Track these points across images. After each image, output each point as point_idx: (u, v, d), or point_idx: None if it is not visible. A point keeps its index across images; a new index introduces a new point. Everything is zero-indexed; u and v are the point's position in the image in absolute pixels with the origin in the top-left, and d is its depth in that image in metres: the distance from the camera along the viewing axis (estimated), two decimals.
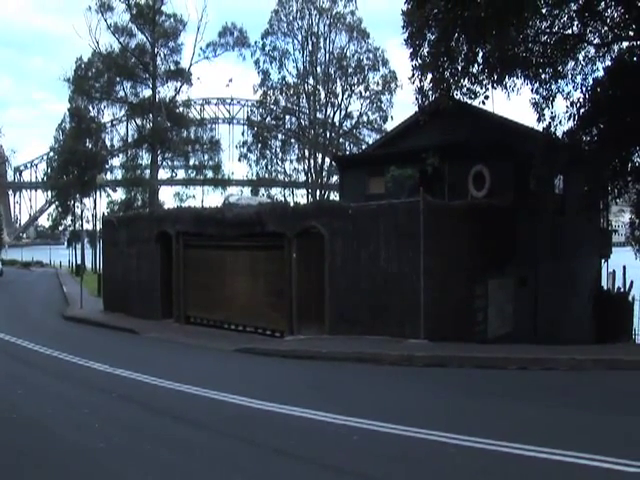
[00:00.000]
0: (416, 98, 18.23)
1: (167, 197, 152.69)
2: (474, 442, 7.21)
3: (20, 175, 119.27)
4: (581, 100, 17.28)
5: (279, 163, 52.69)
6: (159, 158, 56.77)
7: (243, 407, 9.75)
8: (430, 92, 18.01)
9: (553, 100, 18.38)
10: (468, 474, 6.38)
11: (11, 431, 8.84)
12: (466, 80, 17.88)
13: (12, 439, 8.39)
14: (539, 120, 18.29)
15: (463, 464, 6.67)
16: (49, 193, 77.56)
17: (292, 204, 27.59)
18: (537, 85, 18.24)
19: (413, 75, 17.92)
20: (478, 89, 18.01)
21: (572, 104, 17.40)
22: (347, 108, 50.12)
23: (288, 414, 9.17)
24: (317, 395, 10.61)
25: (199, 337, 19.02)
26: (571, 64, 18.53)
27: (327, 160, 49.24)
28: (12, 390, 11.78)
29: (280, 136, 52.78)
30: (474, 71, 17.89)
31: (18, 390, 11.82)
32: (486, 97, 18.07)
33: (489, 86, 18.01)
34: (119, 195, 60.66)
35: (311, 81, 49.65)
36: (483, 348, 14.55)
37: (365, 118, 50.71)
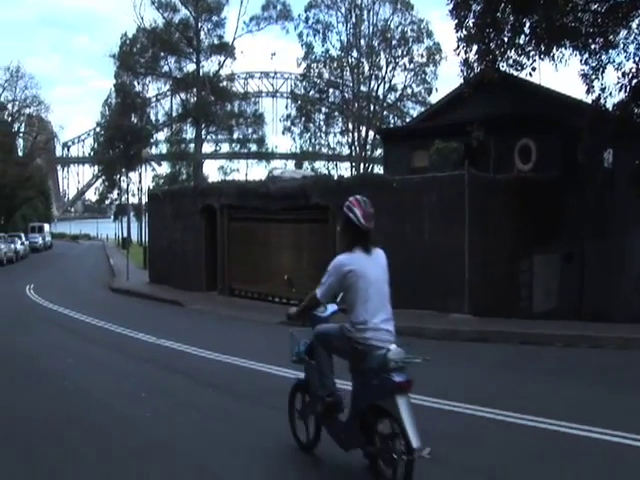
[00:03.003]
0: (461, 70, 17.91)
1: (211, 171, 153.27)
2: (516, 418, 7.16)
3: (68, 150, 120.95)
4: (633, 70, 16.76)
5: (323, 136, 52.64)
6: (203, 132, 57.15)
7: (287, 378, 9.80)
8: (475, 64, 17.67)
9: (603, 71, 17.83)
10: (511, 450, 6.32)
11: (62, 399, 9.06)
12: (512, 51, 17.47)
13: (63, 407, 8.60)
14: (588, 92, 17.79)
15: (505, 440, 6.63)
16: (96, 168, 78.74)
17: (336, 177, 27.53)
18: (586, 56, 17.70)
19: (458, 47, 17.59)
20: (525, 61, 17.59)
21: (624, 75, 16.90)
22: (391, 81, 49.72)
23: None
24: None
25: (243, 309, 19.16)
26: (623, 33, 17.89)
27: (371, 133, 48.92)
28: (63, 360, 12.06)
29: (324, 109, 52.56)
30: (521, 42, 17.47)
31: (68, 359, 12.09)
32: (533, 69, 17.67)
33: (536, 57, 17.57)
34: (164, 169, 61.52)
35: (355, 54, 49.24)
36: (528, 324, 14.37)
37: (409, 91, 50.27)
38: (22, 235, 54.40)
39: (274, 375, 10.13)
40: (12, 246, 46.57)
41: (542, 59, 17.65)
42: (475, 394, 8.38)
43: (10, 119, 61.87)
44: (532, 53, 17.39)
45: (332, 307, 6.02)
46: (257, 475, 5.96)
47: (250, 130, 59.57)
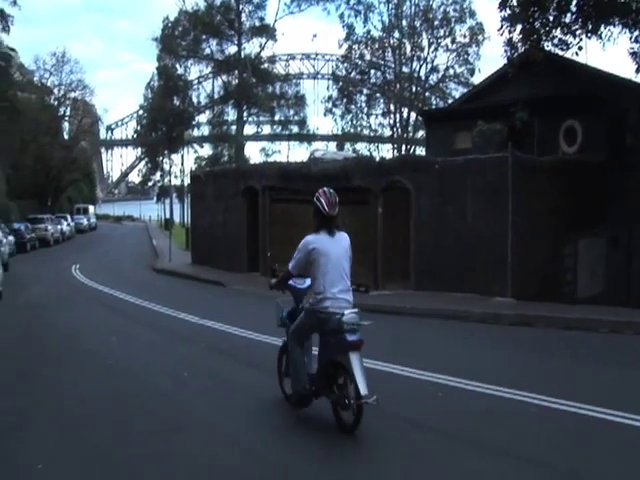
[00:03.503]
0: (505, 50, 17.64)
1: (253, 152, 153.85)
2: (559, 404, 7.05)
3: (112, 133, 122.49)
4: None
5: (364, 118, 52.13)
6: (245, 114, 57.31)
7: None
8: (519, 44, 17.36)
9: None
10: (551, 435, 6.24)
11: (106, 377, 9.22)
12: (558, 30, 17.12)
13: (108, 384, 8.76)
14: (638, 71, 17.33)
15: (546, 425, 6.54)
16: (139, 150, 79.58)
17: (378, 159, 27.38)
18: (637, 33, 17.23)
19: (502, 27, 17.32)
20: (571, 40, 17.23)
21: None
22: (433, 61, 48.93)
23: (373, 368, 9.15)
24: (401, 350, 10.59)
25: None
26: None
27: (413, 115, 48.42)
28: (107, 339, 12.27)
29: (365, 91, 52.09)
30: (566, 21, 17.11)
31: (112, 338, 12.30)
32: (579, 48, 17.31)
33: (583, 36, 17.21)
34: (206, 151, 61.73)
35: (396, 34, 48.58)
36: (572, 309, 14.14)
37: (451, 72, 49.44)
38: (68, 216, 55.33)
39: (313, 355, 10.14)
40: (59, 227, 47.46)
41: (589, 37, 17.27)
42: (514, 378, 8.28)
43: (56, 103, 62.72)
44: (578, 32, 17.03)
45: (308, 281, 6.90)
46: (294, 451, 6.00)
47: (291, 112, 59.56)
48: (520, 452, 5.76)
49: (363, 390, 5.88)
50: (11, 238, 33.02)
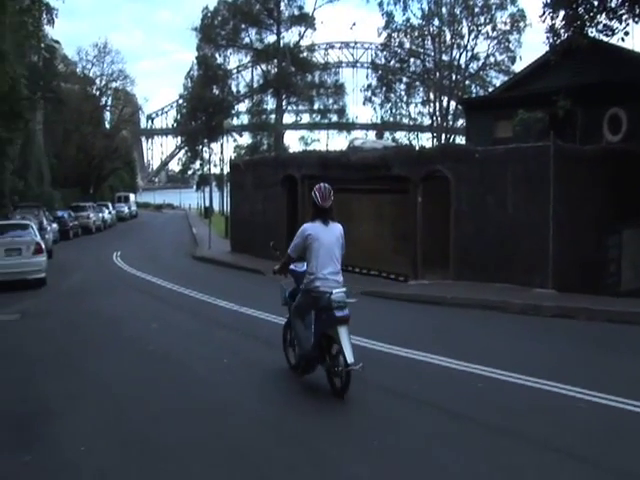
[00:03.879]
0: (547, 37, 17.35)
1: (292, 141, 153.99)
2: (604, 399, 6.93)
3: (152, 122, 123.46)
4: None
5: (404, 106, 51.85)
6: (284, 103, 57.40)
7: (366, 349, 9.80)
8: (562, 30, 17.05)
9: None
10: (597, 431, 6.15)
11: (147, 362, 9.40)
12: (602, 16, 16.75)
13: (148, 370, 8.94)
14: None
15: (592, 420, 6.44)
16: (179, 139, 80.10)
17: (417, 148, 27.18)
18: None
19: (544, 13, 17.03)
20: (616, 25, 16.85)
21: None
22: (473, 49, 48.37)
23: (411, 358, 9.16)
24: (441, 340, 10.53)
25: None
26: None
27: (452, 103, 47.98)
28: (148, 325, 12.44)
29: (405, 79, 51.71)
30: (612, 5, 16.71)
31: (153, 325, 12.47)
32: (626, 33, 16.93)
33: (629, 21, 16.79)
34: (245, 139, 62.01)
35: (436, 22, 48.12)
36: (615, 301, 13.84)
37: (492, 59, 48.86)
38: (109, 204, 56.12)
39: (355, 344, 10.13)
40: (100, 215, 48.16)
41: (636, 22, 16.85)
42: (555, 371, 8.17)
43: (98, 93, 63.63)
44: (625, 16, 16.63)
45: (304, 265, 7.70)
46: (326, 435, 6.02)
47: (331, 100, 59.46)
48: (561, 446, 5.68)
49: (350, 359, 6.81)
50: (55, 226, 33.62)
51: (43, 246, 19.22)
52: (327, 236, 7.42)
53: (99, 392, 7.91)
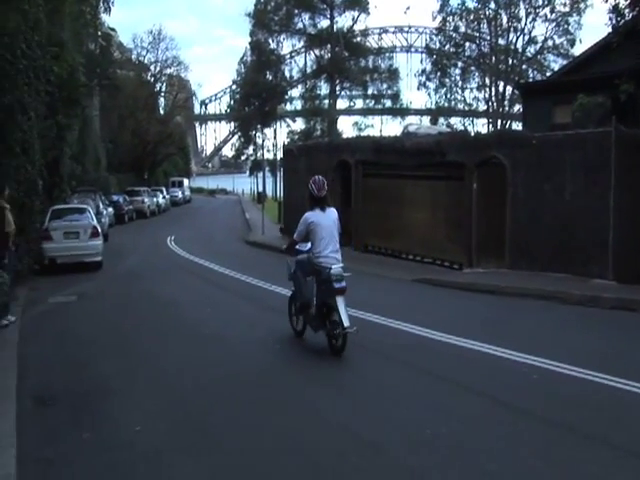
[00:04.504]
0: (609, 18, 16.85)
1: (345, 126, 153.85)
2: None
3: (205, 108, 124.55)
4: None
5: (459, 92, 51.07)
6: (337, 88, 57.22)
7: (419, 336, 9.79)
8: (626, 10, 16.50)
9: None
10: None
11: (201, 346, 9.58)
12: None
13: (202, 353, 9.14)
14: None
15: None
16: (232, 124, 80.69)
17: (473, 133, 26.80)
18: None
19: None
20: None
21: None
22: (531, 33, 47.09)
23: (464, 346, 9.08)
24: (495, 330, 10.40)
25: (377, 265, 19.15)
26: None
27: (509, 88, 47.06)
28: (202, 309, 12.63)
29: (460, 64, 50.92)
30: None
31: (207, 309, 12.65)
32: None
33: None
34: (298, 125, 62.09)
35: (492, 5, 47.10)
36: None
37: (550, 43, 47.53)
38: (163, 189, 56.90)
39: (404, 331, 10.13)
40: (155, 200, 48.88)
41: None
42: (614, 364, 8.03)
43: (152, 79, 64.46)
44: None
45: (308, 245, 9.05)
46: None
47: (384, 86, 59.07)
48: (618, 442, 5.58)
49: (346, 323, 8.18)
50: (110, 210, 34.30)
51: (99, 230, 19.66)
52: (326, 221, 8.79)
53: (154, 374, 8.07)
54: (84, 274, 17.89)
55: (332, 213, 8.94)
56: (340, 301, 8.30)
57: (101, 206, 29.78)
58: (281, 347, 9.43)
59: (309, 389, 7.40)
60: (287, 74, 62.94)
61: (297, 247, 9.36)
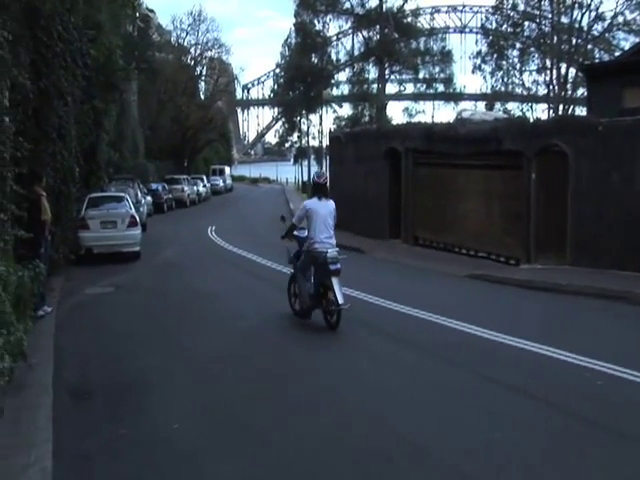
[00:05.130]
0: None
1: (395, 112, 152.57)
2: None
3: (248, 92, 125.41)
4: None
5: (517, 75, 50.38)
6: (387, 71, 56.87)
7: (470, 335, 9.72)
8: None
9: None
10: None
11: (241, 340, 9.72)
12: None
13: (241, 347, 9.29)
14: None
15: None
16: (276, 110, 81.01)
17: (532, 120, 26.41)
18: None
19: None
20: None
21: None
22: (598, 8, 45.83)
23: (518, 347, 8.98)
24: (553, 331, 10.24)
25: (428, 260, 19.05)
26: None
27: (572, 70, 46.19)
28: (244, 302, 12.74)
29: (518, 45, 50.19)
30: None
31: (249, 302, 12.75)
32: None
33: None
34: (345, 111, 61.83)
35: None
36: None
37: (620, 19, 46.31)
38: (204, 178, 57.38)
39: (453, 329, 10.08)
40: (195, 188, 49.29)
41: None
42: None
43: (192, 63, 64.93)
44: None
45: (305, 232, 10.47)
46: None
47: (437, 69, 58.49)
48: None
49: (340, 300, 9.52)
50: (149, 198, 34.72)
51: (137, 219, 19.89)
52: (322, 209, 10.14)
53: (193, 368, 8.18)
54: (121, 265, 18.14)
55: (330, 204, 10.33)
56: (335, 281, 9.67)
57: (139, 195, 30.09)
58: (323, 342, 9.47)
59: (349, 392, 7.39)
60: (333, 57, 62.83)
61: (295, 233, 10.81)
